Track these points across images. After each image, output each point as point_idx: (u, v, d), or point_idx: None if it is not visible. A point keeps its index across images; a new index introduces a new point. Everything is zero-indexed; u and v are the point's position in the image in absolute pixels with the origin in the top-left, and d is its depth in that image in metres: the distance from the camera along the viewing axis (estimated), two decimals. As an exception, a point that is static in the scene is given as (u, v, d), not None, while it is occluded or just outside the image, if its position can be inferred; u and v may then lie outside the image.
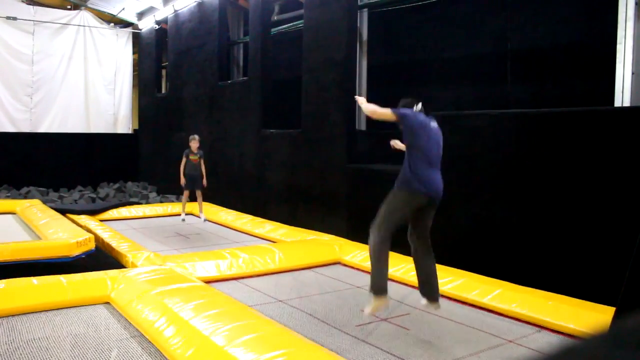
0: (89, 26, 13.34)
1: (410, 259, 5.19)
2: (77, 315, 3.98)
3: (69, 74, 13.17)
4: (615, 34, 4.66)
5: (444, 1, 6.71)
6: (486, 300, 4.31)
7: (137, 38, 14.05)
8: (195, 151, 7.12)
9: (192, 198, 8.70)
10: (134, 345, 3.49)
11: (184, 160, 7.20)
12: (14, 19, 12.25)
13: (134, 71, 14.38)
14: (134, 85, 14.44)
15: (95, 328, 3.77)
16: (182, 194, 8.59)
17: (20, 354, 3.28)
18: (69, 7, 13.25)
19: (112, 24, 13.88)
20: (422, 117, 3.74)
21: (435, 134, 3.76)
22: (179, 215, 8.92)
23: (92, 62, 13.49)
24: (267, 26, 8.98)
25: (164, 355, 3.27)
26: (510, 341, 3.70)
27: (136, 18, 13.79)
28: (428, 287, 3.79)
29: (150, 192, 12.07)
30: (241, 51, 10.83)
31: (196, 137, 7.28)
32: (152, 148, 13.32)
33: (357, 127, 7.33)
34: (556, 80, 5.83)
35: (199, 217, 8.13)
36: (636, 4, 4.54)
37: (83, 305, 4.15)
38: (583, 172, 4.41)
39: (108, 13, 13.56)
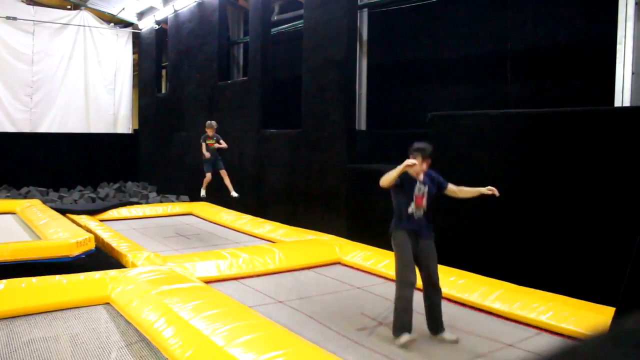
0: (89, 26, 13.33)
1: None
2: (77, 315, 3.98)
3: (69, 74, 13.16)
4: (615, 34, 4.66)
5: (444, 1, 6.70)
6: (487, 302, 4.30)
7: (137, 38, 14.05)
8: (212, 136, 7.48)
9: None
10: (134, 344, 3.48)
11: (203, 145, 7.54)
12: (14, 19, 12.25)
13: (134, 71, 14.37)
14: (134, 85, 14.43)
15: (95, 328, 3.76)
16: (183, 193, 8.63)
17: (21, 354, 3.28)
18: (69, 7, 13.24)
19: (112, 24, 13.88)
20: None
21: None
22: (180, 215, 8.95)
23: (92, 62, 13.49)
24: (267, 26, 8.97)
25: (163, 355, 3.26)
26: (510, 345, 3.69)
27: (136, 18, 13.79)
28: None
29: (150, 192, 12.06)
30: (241, 51, 10.83)
31: (213, 124, 7.55)
32: (152, 148, 13.31)
33: (357, 127, 7.33)
34: (556, 80, 5.82)
35: (231, 195, 7.84)
36: (636, 4, 4.54)
37: (83, 306, 4.14)
38: (583, 172, 4.41)
39: (108, 13, 13.56)
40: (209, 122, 7.60)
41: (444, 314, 3.80)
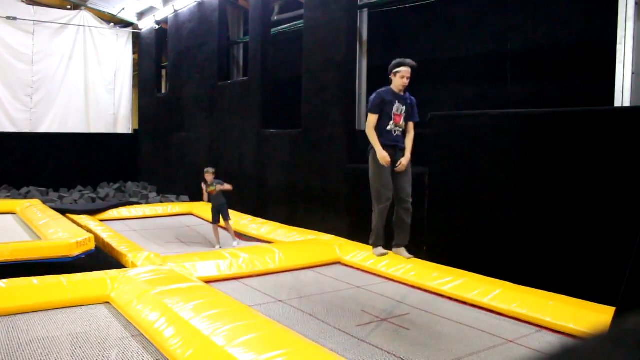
0: (89, 26, 13.34)
1: (410, 260, 5.20)
2: (77, 315, 3.98)
3: (69, 74, 13.16)
4: (615, 34, 4.66)
5: (444, 1, 6.70)
6: (486, 300, 4.31)
7: (137, 38, 14.05)
8: (211, 182, 6.91)
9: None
10: (134, 345, 3.48)
11: (204, 188, 7.07)
12: (14, 19, 12.25)
13: (134, 71, 14.38)
14: (134, 85, 14.43)
15: (96, 328, 3.77)
16: (183, 193, 8.53)
17: (21, 354, 3.28)
18: (69, 7, 13.25)
19: (112, 24, 13.88)
20: None
21: None
22: (180, 215, 8.94)
23: (92, 62, 13.49)
24: (267, 26, 8.97)
25: (163, 355, 3.26)
26: (510, 341, 3.70)
27: (136, 18, 13.79)
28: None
29: (150, 192, 12.07)
30: (241, 51, 10.83)
31: (210, 170, 7.00)
32: (152, 148, 13.32)
33: (357, 127, 7.33)
34: (556, 80, 5.82)
35: (232, 244, 7.17)
36: (636, 4, 4.54)
37: (83, 305, 4.15)
38: (583, 172, 4.42)
39: (108, 13, 13.56)
40: (206, 169, 7.13)
41: (441, 311, 3.83)
